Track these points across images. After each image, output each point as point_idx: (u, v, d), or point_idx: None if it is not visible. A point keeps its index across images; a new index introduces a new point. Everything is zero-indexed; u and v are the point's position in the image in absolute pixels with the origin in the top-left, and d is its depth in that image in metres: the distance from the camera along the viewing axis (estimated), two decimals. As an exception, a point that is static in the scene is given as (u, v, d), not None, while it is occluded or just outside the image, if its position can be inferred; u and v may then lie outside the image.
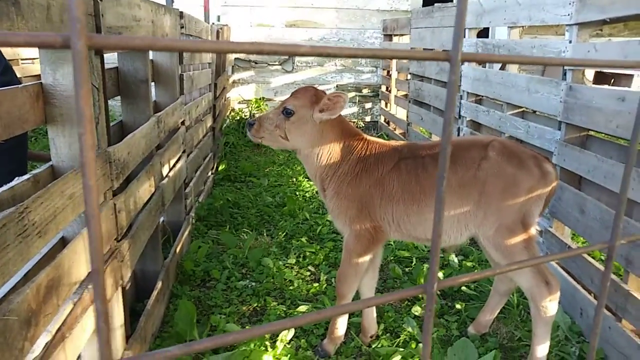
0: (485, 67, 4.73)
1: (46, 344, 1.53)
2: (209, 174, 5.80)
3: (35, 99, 1.73)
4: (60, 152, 1.86)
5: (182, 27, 4.00)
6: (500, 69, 5.61)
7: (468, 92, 5.05)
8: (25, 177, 1.71)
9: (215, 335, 0.46)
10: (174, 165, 3.58)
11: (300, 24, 9.40)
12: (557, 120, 3.43)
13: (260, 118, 2.73)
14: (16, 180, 1.67)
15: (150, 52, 3.24)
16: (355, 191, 2.67)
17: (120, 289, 2.26)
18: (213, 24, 6.85)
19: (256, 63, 9.40)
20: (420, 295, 3.45)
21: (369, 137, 2.85)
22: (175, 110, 3.58)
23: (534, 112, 4.19)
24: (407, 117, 7.33)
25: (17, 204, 1.38)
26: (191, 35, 4.34)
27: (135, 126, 2.76)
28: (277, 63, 9.42)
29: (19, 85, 1.65)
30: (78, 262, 1.69)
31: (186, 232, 3.99)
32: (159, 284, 3.05)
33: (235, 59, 9.13)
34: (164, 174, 3.25)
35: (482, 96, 4.87)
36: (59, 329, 1.59)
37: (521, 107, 4.12)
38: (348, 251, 2.73)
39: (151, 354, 0.45)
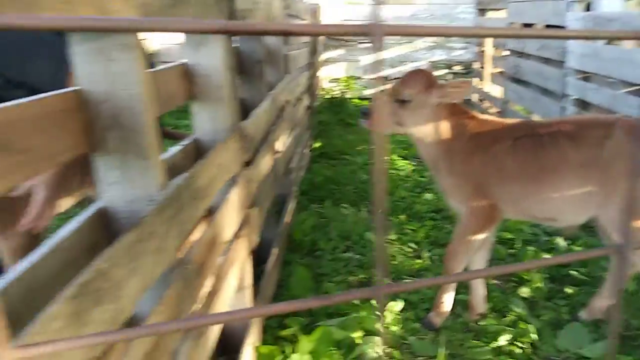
0: (595, 42, 4.49)
1: (207, 293, 1.72)
2: (307, 150, 5.99)
3: (182, 78, 1.92)
4: (202, 126, 2.05)
5: (286, 8, 4.15)
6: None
7: (575, 70, 4.83)
8: (177, 148, 1.91)
9: (327, 295, 0.49)
10: (284, 141, 3.77)
11: (391, 0, 9.32)
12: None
13: (375, 107, 2.76)
14: (170, 151, 1.87)
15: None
16: (470, 169, 2.68)
17: (251, 252, 2.46)
18: (306, 3, 6.98)
19: (346, 41, 9.47)
20: (526, 277, 3.42)
21: (480, 115, 2.84)
22: (284, 89, 3.74)
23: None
24: (504, 94, 7.10)
25: (172, 169, 1.57)
26: (291, 15, 4.49)
27: (254, 103, 2.94)
28: (367, 41, 9.43)
29: (169, 65, 1.84)
30: (228, 223, 1.88)
31: (292, 205, 4.19)
32: (275, 251, 3.24)
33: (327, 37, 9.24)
34: (277, 149, 3.44)
35: (591, 73, 4.63)
36: (215, 281, 1.78)
37: (637, 85, 3.89)
38: (463, 227, 2.76)
39: (282, 304, 0.46)
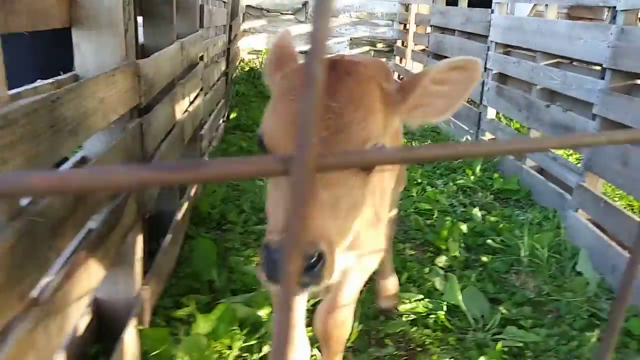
0: (514, 13, 4.48)
1: (69, 260, 1.38)
2: (221, 121, 5.61)
3: (59, -6, 1.53)
4: (85, 60, 1.68)
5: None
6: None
7: (497, 43, 4.82)
8: (48, 80, 1.54)
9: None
10: (193, 101, 3.39)
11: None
12: (601, 68, 3.23)
13: None
14: (39, 82, 1.49)
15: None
16: None
17: (141, 217, 2.11)
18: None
19: (268, 11, 9.07)
20: (444, 247, 3.34)
21: None
22: (197, 42, 3.36)
23: (571, 62, 3.98)
24: (425, 72, 7.07)
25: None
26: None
27: (158, 50, 2.56)
28: (290, 12, 9.09)
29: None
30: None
31: (201, 174, 3.83)
32: (175, 223, 2.90)
33: (247, 6, 8.79)
34: (184, 107, 3.07)
35: (512, 46, 4.63)
36: (82, 248, 1.44)
37: (558, 56, 3.90)
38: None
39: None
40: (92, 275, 1.50)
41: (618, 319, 0.46)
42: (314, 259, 1.03)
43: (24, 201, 1.17)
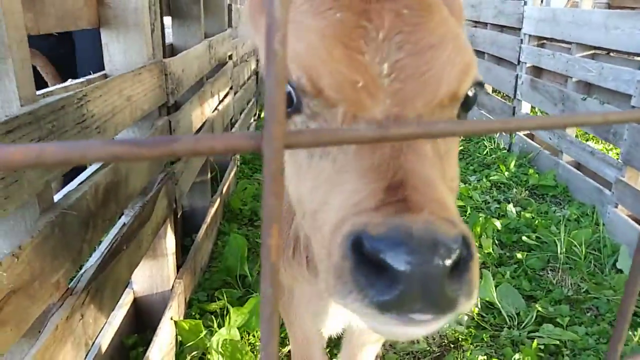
0: (549, 5, 4.37)
1: (102, 253, 1.44)
2: (252, 120, 5.68)
3: (88, -4, 1.59)
4: (114, 59, 1.73)
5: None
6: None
7: (530, 35, 4.70)
8: (79, 80, 1.60)
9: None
10: (222, 100, 3.45)
11: None
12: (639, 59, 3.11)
13: None
14: (70, 81, 1.55)
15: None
16: None
17: (173, 213, 2.17)
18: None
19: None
20: (477, 244, 3.29)
21: None
22: (225, 41, 3.41)
23: (608, 53, 3.85)
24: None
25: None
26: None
27: (187, 49, 2.61)
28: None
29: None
30: (134, 171, 1.58)
31: (232, 173, 3.89)
32: (208, 219, 2.96)
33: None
34: (214, 105, 3.12)
35: (546, 39, 4.51)
36: (115, 240, 1.49)
37: (594, 47, 3.78)
38: None
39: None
40: (124, 268, 1.56)
41: (629, 307, 0.45)
42: (457, 248, 0.59)
43: (57, 196, 1.22)
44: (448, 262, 0.57)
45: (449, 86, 0.75)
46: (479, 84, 0.83)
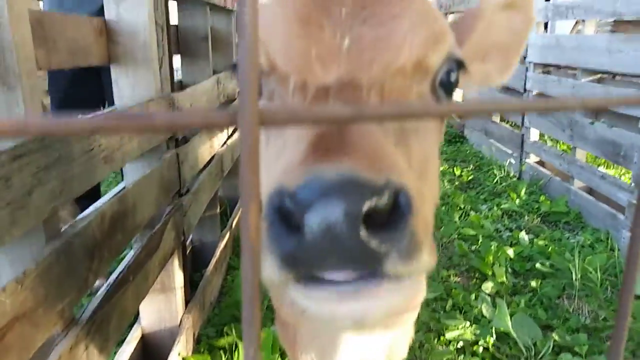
0: (554, 31, 4.42)
1: (109, 283, 1.44)
2: (263, 155, 5.72)
3: (98, 34, 1.65)
4: (123, 93, 1.78)
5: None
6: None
7: (535, 63, 4.74)
8: (90, 115, 1.63)
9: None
10: (231, 134, 3.50)
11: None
12: (645, 81, 3.12)
13: None
14: (80, 116, 1.59)
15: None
16: None
17: (181, 246, 2.17)
18: None
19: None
20: (489, 273, 3.24)
21: None
22: (234, 77, 3.48)
23: (613, 77, 3.87)
24: (462, 96, 7.03)
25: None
26: None
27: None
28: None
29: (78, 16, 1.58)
30: (142, 202, 1.60)
31: (242, 206, 3.90)
32: (217, 254, 2.96)
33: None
34: (222, 140, 3.17)
35: (551, 65, 4.55)
36: (122, 271, 1.49)
37: (599, 72, 3.80)
38: None
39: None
40: (131, 299, 1.55)
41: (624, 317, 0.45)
42: (386, 196, 0.49)
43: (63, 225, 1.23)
44: (362, 205, 0.47)
45: (411, 52, 0.70)
46: (459, 64, 0.78)
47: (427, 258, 0.54)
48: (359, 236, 0.48)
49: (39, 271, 1.03)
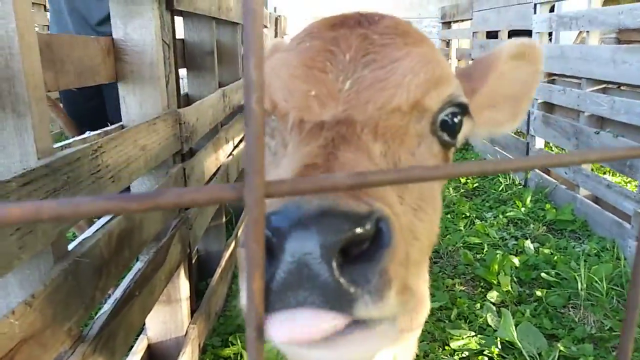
0: (559, 41, 4.42)
1: (116, 299, 1.45)
2: (268, 162, 5.75)
3: (106, 53, 1.67)
4: (130, 111, 1.80)
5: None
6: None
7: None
8: (96, 132, 1.66)
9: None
10: (237, 145, 3.52)
11: (357, 15, 9.27)
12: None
13: None
14: (88, 133, 1.61)
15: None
16: None
17: (187, 258, 2.19)
18: (270, 13, 6.83)
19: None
20: (495, 282, 3.24)
21: None
22: (239, 89, 3.51)
23: (618, 87, 3.87)
24: (470, 105, 7.03)
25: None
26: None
27: (202, 99, 2.70)
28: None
29: (84, 36, 1.60)
30: (149, 218, 1.62)
31: (248, 215, 3.92)
32: (223, 263, 2.98)
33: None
34: (228, 151, 3.19)
35: (556, 75, 4.55)
36: (129, 286, 1.51)
37: (604, 82, 3.80)
38: None
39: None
40: (137, 314, 1.57)
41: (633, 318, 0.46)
42: (367, 225, 0.48)
43: (71, 244, 1.25)
44: (339, 237, 0.45)
45: (409, 93, 0.72)
46: (463, 108, 0.79)
47: (396, 301, 0.51)
48: (331, 271, 0.46)
49: (47, 292, 1.05)
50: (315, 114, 0.69)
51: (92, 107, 2.96)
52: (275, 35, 6.51)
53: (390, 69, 0.73)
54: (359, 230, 0.47)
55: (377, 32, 0.77)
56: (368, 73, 0.72)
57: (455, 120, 0.78)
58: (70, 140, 1.43)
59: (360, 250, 0.48)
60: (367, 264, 0.48)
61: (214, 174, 2.75)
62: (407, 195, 0.67)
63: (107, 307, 1.43)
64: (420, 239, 0.67)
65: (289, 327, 0.48)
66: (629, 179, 4.73)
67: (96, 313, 1.45)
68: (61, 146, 1.25)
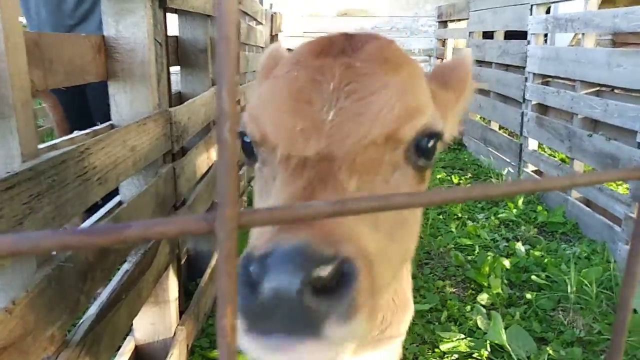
0: (554, 44, 4.43)
1: (101, 302, 1.44)
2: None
3: (97, 51, 1.65)
4: (120, 109, 1.78)
5: (239, 2, 3.91)
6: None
7: (534, 74, 4.75)
8: (85, 131, 1.64)
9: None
10: (229, 143, 3.50)
11: (352, 12, 9.23)
12: (643, 95, 3.13)
13: None
14: (76, 133, 1.59)
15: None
16: None
17: (176, 259, 2.17)
18: (266, 10, 6.78)
19: (307, 53, 9.30)
20: (485, 284, 3.24)
21: None
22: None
23: (612, 90, 3.87)
24: (464, 105, 7.03)
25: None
26: (247, 14, 4.26)
27: (194, 97, 2.67)
28: (328, 53, 9.29)
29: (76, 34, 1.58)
30: (138, 219, 1.60)
31: (240, 213, 3.90)
32: (212, 263, 2.96)
33: (288, 49, 9.06)
34: (220, 149, 3.17)
35: (551, 77, 4.56)
36: (115, 289, 1.49)
37: (598, 85, 3.81)
38: None
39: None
40: (124, 317, 1.55)
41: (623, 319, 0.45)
42: (330, 266, 0.56)
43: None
44: (308, 273, 0.54)
45: (383, 127, 0.76)
46: (436, 135, 0.83)
47: (364, 324, 0.59)
48: (302, 299, 0.54)
49: (30, 298, 1.03)
50: (300, 149, 0.74)
51: (75, 107, 2.95)
52: (271, 33, 6.48)
53: (368, 102, 0.77)
54: (323, 272, 0.55)
55: (360, 59, 0.81)
56: (349, 104, 0.77)
57: (429, 145, 0.82)
58: (58, 140, 1.41)
59: (329, 285, 0.56)
60: (335, 295, 0.57)
61: (205, 173, 2.73)
62: (382, 220, 0.72)
63: (92, 310, 1.41)
64: (394, 259, 0.76)
65: (264, 347, 0.57)
66: (620, 182, 4.75)
67: (81, 317, 1.44)
68: (47, 147, 1.23)
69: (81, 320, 1.34)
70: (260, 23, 5.54)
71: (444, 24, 8.57)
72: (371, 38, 0.87)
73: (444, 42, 8.48)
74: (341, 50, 0.83)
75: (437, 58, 8.95)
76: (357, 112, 0.76)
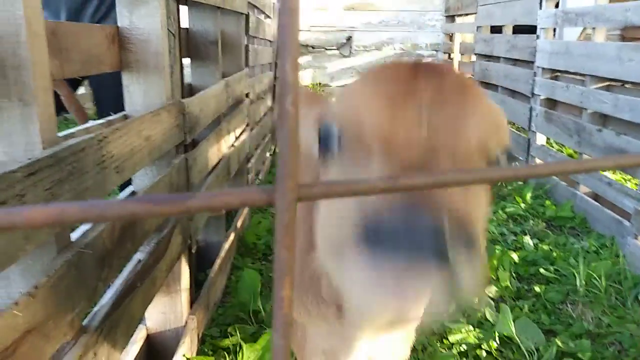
0: (562, 39, 4.40)
1: (117, 290, 1.45)
2: (268, 154, 5.74)
3: (111, 41, 1.65)
4: (134, 100, 1.78)
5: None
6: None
7: (543, 68, 4.72)
8: (100, 121, 1.64)
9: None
10: (239, 136, 3.50)
11: (359, 7, 9.20)
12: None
13: None
14: (91, 123, 1.60)
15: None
16: None
17: (187, 249, 2.18)
18: (274, 3, 6.76)
19: (313, 48, 9.29)
20: (494, 277, 3.24)
21: None
22: (242, 79, 3.49)
23: (622, 84, 3.85)
24: (471, 99, 7.00)
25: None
26: (255, 6, 4.25)
27: (205, 89, 2.67)
28: (334, 47, 9.28)
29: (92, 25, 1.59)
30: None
31: (246, 207, 3.92)
32: (222, 254, 2.97)
33: (293, 42, 9.05)
34: (230, 142, 3.17)
35: (560, 71, 4.53)
36: (130, 277, 1.50)
37: (608, 80, 3.79)
38: None
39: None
40: (138, 305, 1.56)
41: None
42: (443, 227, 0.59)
43: (74, 234, 1.24)
44: (444, 232, 0.58)
45: (477, 142, 0.80)
46: (511, 154, 0.90)
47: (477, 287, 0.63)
48: (443, 235, 0.57)
49: (50, 283, 1.04)
50: (399, 154, 0.76)
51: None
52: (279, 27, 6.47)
53: (462, 123, 0.81)
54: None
55: (447, 84, 0.85)
56: (442, 121, 0.79)
57: (506, 161, 0.88)
58: (74, 129, 1.42)
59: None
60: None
61: (216, 165, 2.74)
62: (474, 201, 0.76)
63: (107, 298, 1.42)
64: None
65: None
66: (629, 177, 4.73)
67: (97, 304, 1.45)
68: (65, 135, 1.24)
69: (97, 307, 1.36)
70: (269, 16, 5.53)
71: (451, 18, 8.53)
72: (445, 68, 0.91)
73: (451, 37, 8.45)
74: (429, 74, 0.86)
75: (444, 53, 8.92)
76: (452, 130, 0.79)
